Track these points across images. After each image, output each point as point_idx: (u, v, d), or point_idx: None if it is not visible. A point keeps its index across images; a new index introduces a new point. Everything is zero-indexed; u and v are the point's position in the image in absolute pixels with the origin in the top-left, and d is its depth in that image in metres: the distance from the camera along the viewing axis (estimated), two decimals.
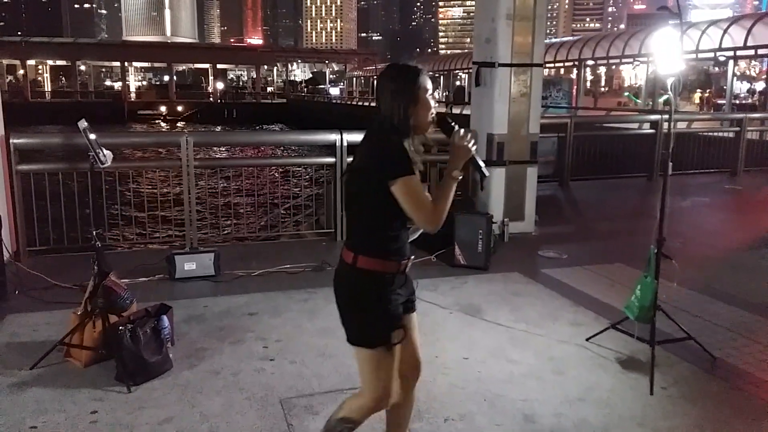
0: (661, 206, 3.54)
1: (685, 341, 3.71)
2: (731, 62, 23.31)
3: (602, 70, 37.24)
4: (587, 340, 3.92)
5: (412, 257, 2.29)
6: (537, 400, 3.22)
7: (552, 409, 3.13)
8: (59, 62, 64.43)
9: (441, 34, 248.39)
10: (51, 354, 3.52)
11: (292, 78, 77.54)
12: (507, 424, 3.00)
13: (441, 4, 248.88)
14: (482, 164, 2.23)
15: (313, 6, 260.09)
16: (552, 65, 31.78)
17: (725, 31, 22.74)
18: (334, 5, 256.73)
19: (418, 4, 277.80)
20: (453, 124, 2.17)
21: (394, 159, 2.09)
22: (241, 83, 78.77)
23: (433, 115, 2.20)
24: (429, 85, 2.18)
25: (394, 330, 2.18)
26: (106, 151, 3.74)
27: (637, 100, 28.51)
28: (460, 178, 2.17)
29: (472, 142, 2.16)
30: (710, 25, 23.80)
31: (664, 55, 3.66)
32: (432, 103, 2.19)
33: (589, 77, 35.04)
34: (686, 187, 9.63)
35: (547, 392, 3.31)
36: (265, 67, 71.51)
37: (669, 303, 3.89)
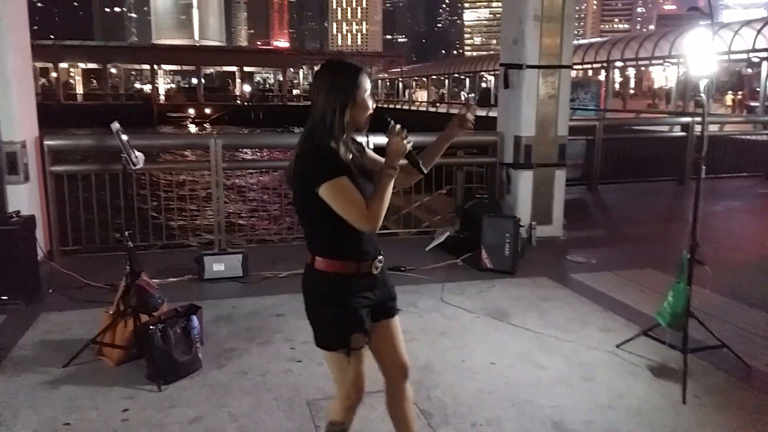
0: (694, 210, 3.47)
1: (718, 349, 3.63)
2: (765, 63, 22.80)
3: (631, 71, 36.72)
4: (617, 346, 3.86)
5: (380, 258, 2.21)
6: (566, 407, 3.18)
7: (581, 416, 3.09)
8: (90, 65, 65.61)
9: (467, 35, 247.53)
10: (83, 352, 3.59)
11: None
12: (535, 430, 2.97)
13: (467, 5, 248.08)
14: (419, 161, 2.12)
15: (339, 8, 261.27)
16: (580, 67, 31.44)
17: (759, 32, 22.24)
18: (359, 8, 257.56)
19: (444, 5, 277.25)
20: (389, 120, 2.08)
21: (318, 163, 2.05)
22: (267, 86, 79.37)
23: (370, 113, 2.14)
24: (368, 84, 2.13)
25: (353, 334, 2.14)
26: (138, 153, 3.80)
27: None
28: (395, 175, 2.06)
29: (408, 138, 2.06)
30: (743, 26, 23.30)
31: (696, 57, 3.60)
32: (370, 103, 2.13)
33: (618, 79, 34.58)
34: (719, 191, 9.44)
35: (576, 399, 3.27)
36: (291, 69, 71.99)
37: (702, 310, 3.81)
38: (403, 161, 2.11)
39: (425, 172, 2.15)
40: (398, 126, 2.07)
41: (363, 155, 2.25)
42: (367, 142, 6.01)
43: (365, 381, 2.24)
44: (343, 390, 2.24)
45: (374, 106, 2.17)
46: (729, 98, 30.64)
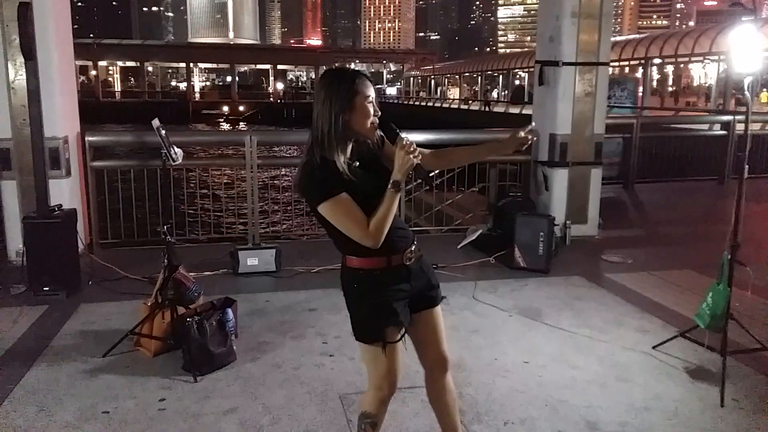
0: (736, 210, 3.38)
1: (758, 352, 3.53)
2: None
3: (669, 69, 35.91)
4: (654, 347, 3.79)
5: (412, 249, 2.20)
6: (600, 407, 3.13)
7: (616, 417, 3.05)
8: (128, 63, 67.02)
9: (500, 32, 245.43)
10: (122, 343, 3.68)
11: None
12: (569, 431, 2.94)
13: (501, 2, 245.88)
14: (429, 173, 2.06)
15: (372, 6, 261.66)
16: (616, 64, 30.89)
17: None
18: (392, 5, 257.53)
19: (477, 2, 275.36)
20: (397, 130, 2.03)
21: (316, 181, 2.04)
22: (300, 83, 79.98)
23: (374, 121, 2.08)
24: (368, 90, 2.06)
25: (387, 327, 2.15)
26: (177, 149, 3.87)
27: None
28: (401, 188, 2.01)
29: (416, 151, 1.99)
30: None
31: (740, 53, 3.51)
32: (371, 109, 2.06)
33: (656, 76, 33.86)
34: (760, 191, 9.17)
35: (611, 400, 3.22)
36: (324, 67, 72.17)
37: (742, 312, 3.72)
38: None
39: (432, 185, 2.07)
40: (405, 137, 2.01)
41: (381, 151, 2.19)
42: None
43: (399, 375, 2.25)
44: (376, 382, 2.25)
45: (377, 112, 2.09)
46: (765, 95, 29.70)
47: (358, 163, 2.12)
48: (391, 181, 2.02)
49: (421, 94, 59.78)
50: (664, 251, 6.23)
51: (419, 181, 2.05)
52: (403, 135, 2.05)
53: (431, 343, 2.34)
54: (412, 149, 2.00)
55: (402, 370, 2.26)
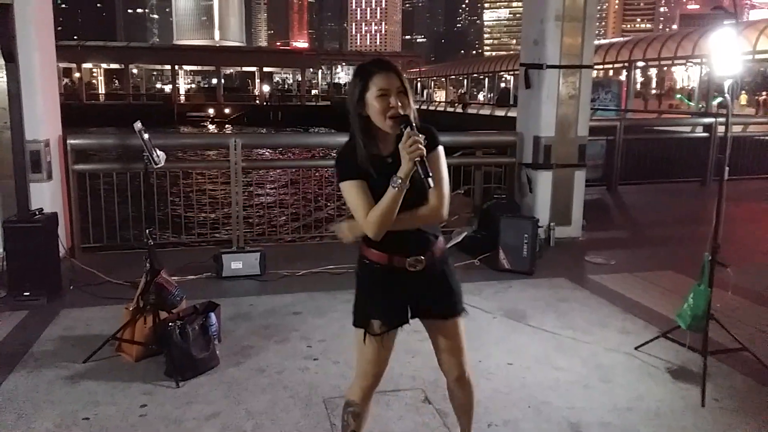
0: (717, 211, 3.42)
1: (739, 352, 3.57)
2: None
3: (653, 71, 36.29)
4: (636, 348, 3.82)
5: (419, 258, 2.18)
6: (583, 409, 3.15)
7: (599, 418, 3.07)
8: (113, 65, 66.39)
9: (486, 35, 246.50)
10: (103, 348, 3.63)
11: (336, 81, 78.15)
12: None
13: (486, 5, 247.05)
14: (429, 172, 1.96)
15: (358, 9, 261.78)
16: (600, 67, 31.14)
17: None
18: (379, 8, 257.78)
19: (464, 6, 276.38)
20: (403, 127, 1.99)
21: (340, 163, 2.14)
22: (286, 86, 79.71)
23: (392, 114, 2.03)
24: (383, 83, 2.04)
25: (371, 318, 2.20)
26: (159, 152, 3.84)
27: (690, 103, 27.65)
28: (400, 185, 1.98)
29: (417, 147, 1.95)
30: None
31: (721, 57, 3.55)
32: (380, 103, 2.04)
33: (640, 79, 34.18)
34: (742, 192, 9.28)
35: (594, 401, 3.24)
36: (311, 70, 72.24)
37: (723, 312, 3.75)
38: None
39: (430, 186, 1.98)
40: (411, 132, 1.96)
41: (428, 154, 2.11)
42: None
43: (381, 368, 2.29)
44: (360, 369, 2.30)
45: (394, 105, 2.04)
46: (744, 98, 30.07)
47: (390, 160, 2.09)
48: (392, 178, 2.00)
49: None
50: (646, 252, 6.29)
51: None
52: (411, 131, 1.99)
53: (442, 352, 2.36)
54: (411, 146, 1.95)
55: (384, 365, 2.29)
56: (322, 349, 3.82)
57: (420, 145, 1.95)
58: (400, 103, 2.05)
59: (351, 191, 2.09)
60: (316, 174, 7.53)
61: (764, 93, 30.92)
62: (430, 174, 1.97)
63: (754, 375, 3.49)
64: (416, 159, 1.95)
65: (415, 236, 2.19)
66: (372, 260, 2.21)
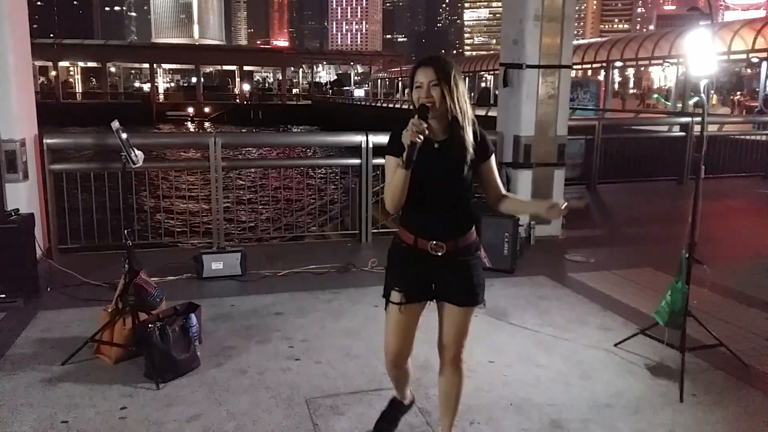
0: (693, 209, 3.47)
1: (716, 348, 3.63)
2: (765, 63, 22.81)
3: (630, 71, 36.74)
4: (616, 345, 3.87)
5: (440, 243, 2.37)
6: (564, 405, 3.18)
7: (579, 415, 3.10)
8: (90, 64, 65.61)
9: (467, 35, 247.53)
10: (82, 350, 3.58)
11: (317, 80, 78.03)
12: (534, 429, 2.97)
13: (467, 5, 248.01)
14: (411, 156, 2.21)
15: (339, 8, 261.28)
16: (579, 67, 31.47)
17: (758, 32, 22.29)
18: (359, 7, 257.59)
19: (444, 5, 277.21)
20: (415, 115, 2.24)
21: (390, 139, 2.37)
22: (267, 85, 79.40)
23: (424, 103, 2.27)
24: (418, 77, 2.29)
25: (393, 288, 2.44)
26: (137, 152, 3.80)
27: (667, 103, 28.06)
28: (403, 167, 2.23)
29: (419, 129, 2.19)
30: (743, 26, 23.34)
31: (696, 57, 3.60)
32: (414, 95, 2.30)
33: (617, 79, 34.59)
34: (718, 190, 9.44)
35: (574, 397, 3.27)
36: (291, 68, 72.07)
37: (700, 309, 3.81)
38: None
39: (407, 168, 2.22)
40: (415, 117, 2.21)
41: (454, 139, 2.33)
42: (366, 140, 6.05)
43: (396, 346, 2.49)
44: (384, 342, 2.53)
45: (420, 98, 2.27)
46: (714, 98, 30.56)
47: (437, 146, 2.33)
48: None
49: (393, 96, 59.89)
50: (625, 250, 6.36)
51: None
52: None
53: (445, 333, 2.51)
54: (414, 127, 2.18)
55: (402, 344, 2.48)
56: (304, 349, 3.81)
57: (419, 133, 2.18)
58: (433, 95, 2.26)
59: (387, 165, 2.36)
60: (297, 173, 7.50)
61: (739, 93, 31.43)
62: (413, 159, 2.20)
63: (731, 370, 3.55)
64: (408, 143, 2.19)
65: (443, 224, 2.39)
66: (401, 239, 2.44)
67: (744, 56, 23.53)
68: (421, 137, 2.18)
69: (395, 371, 2.62)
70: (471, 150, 2.33)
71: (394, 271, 2.48)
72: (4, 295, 4.40)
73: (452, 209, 2.39)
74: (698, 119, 8.34)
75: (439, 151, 2.32)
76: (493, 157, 2.45)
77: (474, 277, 2.47)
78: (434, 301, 2.50)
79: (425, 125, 2.20)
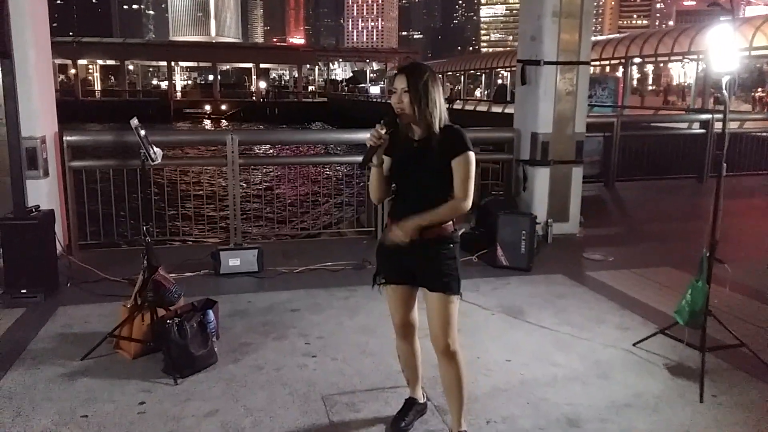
0: (714, 208, 3.42)
1: (737, 348, 3.58)
2: None
3: (650, 68, 36.29)
4: (634, 344, 3.83)
5: (391, 223, 2.59)
6: (582, 405, 3.15)
7: (597, 414, 3.07)
8: (109, 62, 66.15)
9: (483, 32, 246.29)
10: (101, 345, 3.63)
11: (333, 77, 78.07)
12: (551, 428, 2.95)
13: (483, 1, 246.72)
14: (367, 157, 2.54)
15: (355, 5, 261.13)
16: (597, 63, 31.13)
17: None
18: (375, 4, 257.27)
19: (460, 2, 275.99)
20: (381, 120, 2.51)
21: None
22: (283, 82, 79.55)
23: (397, 109, 2.51)
24: (395, 83, 2.51)
25: (377, 274, 2.73)
26: (156, 149, 3.83)
27: None
28: (374, 166, 2.58)
29: (378, 135, 2.48)
30: (765, 21, 22.93)
31: (717, 53, 3.54)
32: (392, 99, 2.52)
33: (636, 75, 34.19)
34: (739, 188, 9.30)
35: (592, 397, 3.24)
36: (307, 66, 72.14)
37: (721, 308, 3.77)
38: None
39: (362, 167, 2.71)
40: (380, 123, 2.50)
41: (431, 138, 2.53)
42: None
43: (398, 320, 2.77)
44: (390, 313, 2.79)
45: (391, 101, 2.53)
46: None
47: (416, 144, 2.56)
48: None
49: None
50: (644, 249, 6.29)
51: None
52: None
53: (430, 323, 2.64)
54: (376, 133, 2.48)
55: (401, 316, 2.76)
56: (321, 346, 3.82)
57: (374, 137, 2.47)
58: (404, 101, 2.47)
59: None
60: (314, 170, 7.51)
61: (760, 89, 30.93)
62: (371, 162, 2.56)
63: (752, 371, 3.50)
64: (368, 144, 2.50)
65: (407, 206, 2.56)
66: (386, 226, 2.69)
67: (766, 52, 23.13)
68: (379, 141, 2.48)
69: (403, 346, 2.83)
70: (438, 150, 2.51)
71: (378, 254, 2.74)
72: (24, 291, 4.47)
73: (427, 202, 2.53)
74: (719, 116, 8.23)
75: (417, 149, 2.55)
76: (459, 158, 2.51)
77: (444, 266, 2.59)
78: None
79: (385, 131, 2.48)
